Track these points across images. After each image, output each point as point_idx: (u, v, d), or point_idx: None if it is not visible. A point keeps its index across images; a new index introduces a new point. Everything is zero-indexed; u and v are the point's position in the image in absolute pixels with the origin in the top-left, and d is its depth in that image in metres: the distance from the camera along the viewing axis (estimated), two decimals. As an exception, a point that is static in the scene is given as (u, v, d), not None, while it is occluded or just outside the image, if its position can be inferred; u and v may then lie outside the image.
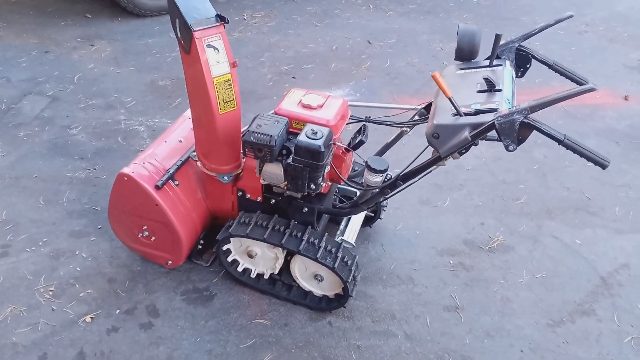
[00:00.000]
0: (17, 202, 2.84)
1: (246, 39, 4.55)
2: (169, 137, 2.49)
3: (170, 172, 2.30)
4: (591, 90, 1.56)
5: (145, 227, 2.36)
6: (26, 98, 3.64)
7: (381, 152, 2.45)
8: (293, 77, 4.07)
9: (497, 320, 2.43)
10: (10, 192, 2.90)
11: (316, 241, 2.22)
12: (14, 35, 4.35)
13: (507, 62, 2.04)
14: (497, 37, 1.97)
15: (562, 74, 2.06)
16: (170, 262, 2.47)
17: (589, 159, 1.65)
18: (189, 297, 2.43)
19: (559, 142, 1.66)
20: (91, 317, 2.32)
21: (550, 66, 2.07)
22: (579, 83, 2.01)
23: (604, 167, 1.64)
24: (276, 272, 2.41)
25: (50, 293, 2.41)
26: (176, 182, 2.32)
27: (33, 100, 3.62)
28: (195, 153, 2.36)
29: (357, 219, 2.55)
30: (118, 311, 2.35)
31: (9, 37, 4.31)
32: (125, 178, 2.23)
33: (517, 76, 2.11)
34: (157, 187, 2.23)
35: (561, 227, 2.92)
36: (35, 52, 4.14)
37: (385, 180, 2.14)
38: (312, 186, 2.10)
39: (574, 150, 1.66)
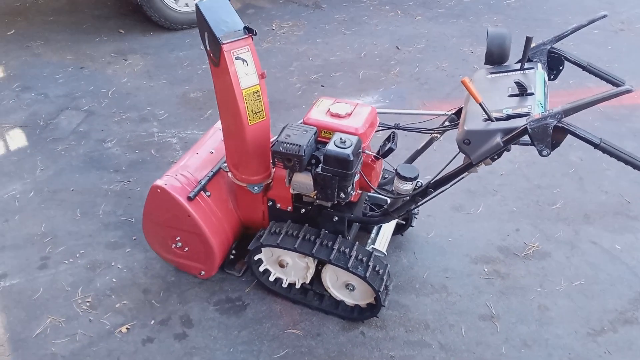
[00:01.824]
0: (56, 215, 2.92)
1: (275, 49, 4.59)
2: (201, 148, 2.52)
3: (202, 183, 2.33)
4: (628, 92, 1.50)
5: (179, 238, 2.39)
6: (63, 113, 3.74)
7: (411, 159, 2.43)
8: (322, 86, 4.08)
9: (535, 329, 2.37)
10: (49, 206, 2.98)
11: (347, 250, 2.21)
12: (52, 52, 4.49)
13: (539, 65, 2.00)
14: (528, 40, 1.93)
15: (597, 75, 2.01)
16: (203, 272, 2.49)
17: (627, 162, 1.60)
18: (222, 307, 2.44)
19: (595, 146, 1.61)
20: (127, 328, 2.36)
21: (584, 68, 2.01)
22: (615, 84, 1.95)
23: (643, 171, 1.59)
24: (307, 281, 2.41)
25: (88, 304, 2.46)
26: (208, 193, 2.34)
27: (70, 115, 3.73)
28: (226, 164, 2.39)
29: (388, 227, 2.53)
30: (153, 322, 2.39)
31: (46, 54, 4.45)
32: (159, 190, 2.27)
33: (549, 79, 2.06)
34: (190, 199, 2.26)
35: (600, 232, 2.84)
36: (72, 68, 4.26)
37: (416, 187, 2.11)
38: (342, 195, 2.09)
39: (611, 154, 1.60)
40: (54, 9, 5.17)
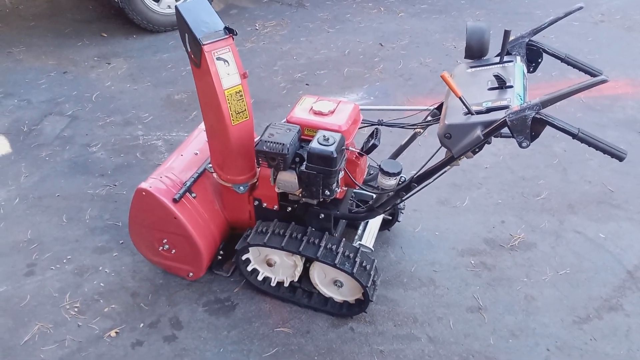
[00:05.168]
0: (41, 221, 2.90)
1: (259, 48, 4.59)
2: (185, 150, 2.52)
3: (187, 184, 2.33)
4: (603, 81, 1.53)
5: (166, 240, 2.39)
6: (47, 119, 3.72)
7: (395, 155, 2.44)
8: (307, 84, 4.08)
9: (522, 319, 2.40)
10: (34, 212, 2.96)
11: (334, 247, 2.22)
12: (33, 57, 4.45)
13: (518, 58, 2.02)
14: (507, 33, 1.96)
15: (575, 66, 2.04)
16: (191, 274, 2.49)
17: (604, 151, 1.62)
18: (211, 308, 2.44)
19: (573, 136, 1.63)
20: (116, 332, 2.35)
21: (562, 59, 2.04)
22: (592, 75, 1.98)
23: (620, 159, 1.61)
24: (296, 279, 2.42)
25: (76, 309, 2.45)
26: (193, 195, 2.34)
27: (53, 120, 3.70)
28: (210, 165, 2.39)
29: (375, 223, 2.55)
30: (142, 325, 2.38)
31: (28, 60, 4.42)
32: (144, 193, 2.27)
33: (528, 71, 2.09)
34: (175, 201, 2.26)
35: (584, 222, 2.87)
36: (54, 73, 4.23)
37: (400, 182, 2.13)
38: (327, 192, 2.10)
39: (589, 144, 1.63)
40: (35, 14, 5.13)
